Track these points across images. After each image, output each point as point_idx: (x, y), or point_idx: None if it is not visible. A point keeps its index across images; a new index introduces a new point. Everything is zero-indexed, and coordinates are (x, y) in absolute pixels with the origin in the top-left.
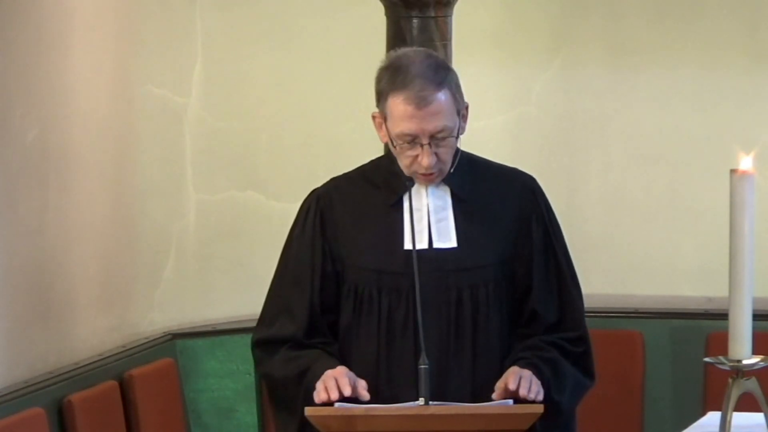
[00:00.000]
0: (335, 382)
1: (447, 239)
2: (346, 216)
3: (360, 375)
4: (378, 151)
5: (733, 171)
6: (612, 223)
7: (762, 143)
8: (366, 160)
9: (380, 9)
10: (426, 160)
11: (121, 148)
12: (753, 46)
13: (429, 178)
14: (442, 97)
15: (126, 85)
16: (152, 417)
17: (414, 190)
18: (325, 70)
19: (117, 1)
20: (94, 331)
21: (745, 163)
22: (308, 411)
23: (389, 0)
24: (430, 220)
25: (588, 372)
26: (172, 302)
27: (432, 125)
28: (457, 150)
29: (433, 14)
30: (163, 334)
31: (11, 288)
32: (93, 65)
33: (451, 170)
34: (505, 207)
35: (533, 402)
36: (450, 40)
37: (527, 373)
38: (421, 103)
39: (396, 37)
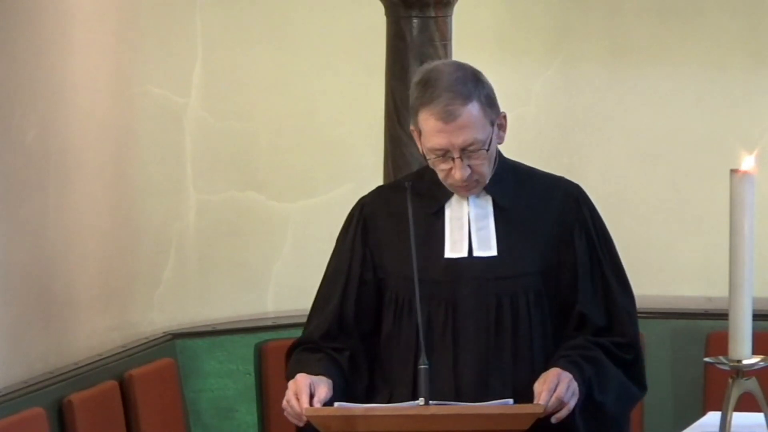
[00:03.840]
0: (293, 395)
1: (487, 248)
2: (389, 224)
3: (400, 381)
4: (377, 152)
5: (733, 171)
6: (612, 223)
7: (762, 143)
8: (365, 161)
9: (380, 9)
10: (458, 173)
11: (121, 148)
12: (753, 46)
13: (467, 189)
14: (471, 110)
15: (126, 85)
16: (152, 417)
17: (455, 198)
18: (325, 70)
19: (117, 1)
20: (94, 331)
21: (747, 163)
22: (307, 411)
23: (389, 0)
24: (470, 229)
25: (638, 381)
26: (172, 302)
27: (461, 139)
28: (498, 158)
29: (433, 14)
30: (163, 334)
31: (11, 288)
32: (93, 65)
33: (492, 176)
34: (547, 215)
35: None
36: (450, 39)
37: (566, 378)
38: (448, 117)
39: (396, 37)
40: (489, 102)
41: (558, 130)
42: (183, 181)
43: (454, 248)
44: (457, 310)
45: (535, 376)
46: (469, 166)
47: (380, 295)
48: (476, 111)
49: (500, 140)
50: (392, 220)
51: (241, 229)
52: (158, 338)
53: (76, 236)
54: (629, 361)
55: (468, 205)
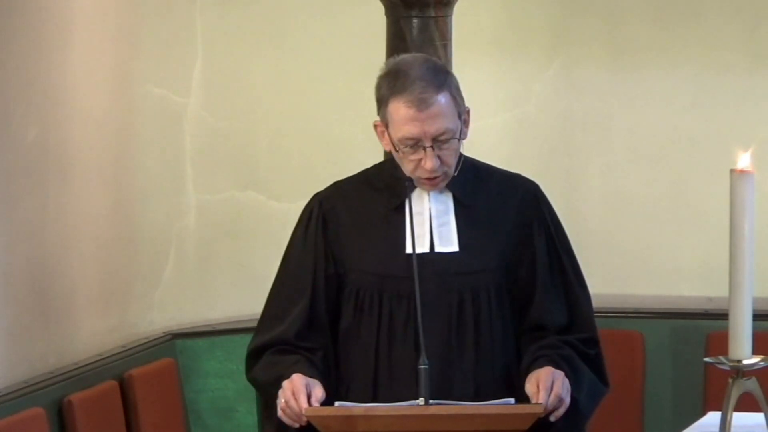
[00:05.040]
0: (292, 395)
1: (449, 243)
2: (349, 219)
3: (359, 378)
4: (377, 151)
5: (733, 171)
6: (612, 223)
7: (762, 143)
8: (365, 160)
9: (380, 9)
10: (429, 163)
11: (121, 148)
12: (752, 47)
13: (433, 183)
14: (443, 99)
15: (126, 85)
16: (152, 417)
17: (416, 194)
18: (325, 70)
19: (117, 1)
20: (94, 331)
21: (744, 159)
22: (307, 411)
23: (389, 0)
24: (432, 225)
25: (602, 376)
26: (172, 302)
27: (434, 127)
28: (460, 155)
29: (433, 14)
30: (163, 334)
31: (11, 288)
32: (93, 65)
33: (455, 174)
34: (507, 212)
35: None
36: (450, 40)
37: (560, 376)
38: (422, 105)
39: (396, 37)
40: (458, 93)
41: (558, 130)
42: (183, 181)
43: (415, 243)
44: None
45: (496, 373)
46: (439, 157)
47: (340, 290)
48: (448, 100)
49: (464, 135)
50: (351, 215)
51: (241, 229)
52: (158, 338)
53: (76, 236)
54: (593, 356)
55: (429, 200)
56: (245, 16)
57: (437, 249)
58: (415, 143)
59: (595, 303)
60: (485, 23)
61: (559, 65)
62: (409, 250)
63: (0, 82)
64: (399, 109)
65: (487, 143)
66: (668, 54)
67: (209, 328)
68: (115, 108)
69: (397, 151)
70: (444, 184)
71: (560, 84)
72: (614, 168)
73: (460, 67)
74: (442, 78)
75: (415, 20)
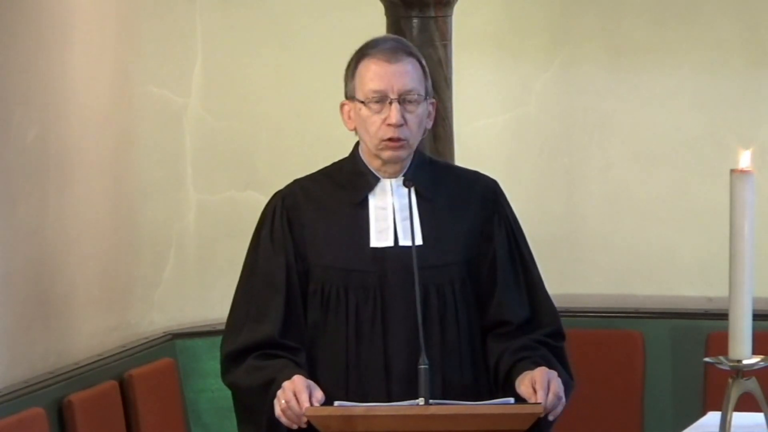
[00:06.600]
0: (293, 396)
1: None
2: (312, 215)
3: (328, 373)
4: None
5: (733, 171)
6: (612, 223)
7: (761, 143)
8: None
9: (380, 9)
10: (394, 115)
11: (121, 148)
12: (752, 47)
13: (396, 145)
14: (411, 64)
15: (126, 85)
16: (152, 417)
17: (378, 188)
18: (325, 70)
19: (117, 1)
20: (94, 331)
21: (744, 158)
22: (308, 411)
23: (389, 0)
24: (395, 219)
25: (568, 370)
26: (172, 302)
27: (401, 82)
28: (418, 152)
29: (433, 14)
30: (163, 334)
31: (11, 288)
32: (93, 65)
33: (415, 167)
34: (468, 207)
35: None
36: (450, 40)
37: (554, 375)
38: (391, 58)
39: None
40: (426, 75)
41: (558, 130)
42: (183, 181)
43: (379, 238)
44: (385, 299)
45: (463, 367)
46: (404, 119)
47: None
48: (416, 68)
49: (427, 125)
50: (314, 211)
51: (241, 229)
52: (158, 338)
53: (76, 236)
54: (561, 349)
55: (392, 195)
56: (245, 16)
57: (401, 243)
58: (382, 97)
59: (595, 303)
60: (485, 23)
61: (558, 65)
62: (373, 243)
63: (0, 82)
64: (368, 66)
65: (487, 143)
66: (668, 54)
67: (209, 328)
68: (115, 108)
69: (365, 106)
70: (404, 153)
71: (560, 84)
72: (614, 168)
73: (460, 67)
74: (412, 48)
75: (415, 20)
